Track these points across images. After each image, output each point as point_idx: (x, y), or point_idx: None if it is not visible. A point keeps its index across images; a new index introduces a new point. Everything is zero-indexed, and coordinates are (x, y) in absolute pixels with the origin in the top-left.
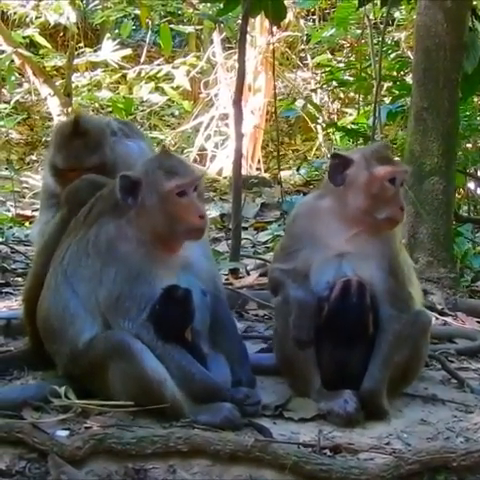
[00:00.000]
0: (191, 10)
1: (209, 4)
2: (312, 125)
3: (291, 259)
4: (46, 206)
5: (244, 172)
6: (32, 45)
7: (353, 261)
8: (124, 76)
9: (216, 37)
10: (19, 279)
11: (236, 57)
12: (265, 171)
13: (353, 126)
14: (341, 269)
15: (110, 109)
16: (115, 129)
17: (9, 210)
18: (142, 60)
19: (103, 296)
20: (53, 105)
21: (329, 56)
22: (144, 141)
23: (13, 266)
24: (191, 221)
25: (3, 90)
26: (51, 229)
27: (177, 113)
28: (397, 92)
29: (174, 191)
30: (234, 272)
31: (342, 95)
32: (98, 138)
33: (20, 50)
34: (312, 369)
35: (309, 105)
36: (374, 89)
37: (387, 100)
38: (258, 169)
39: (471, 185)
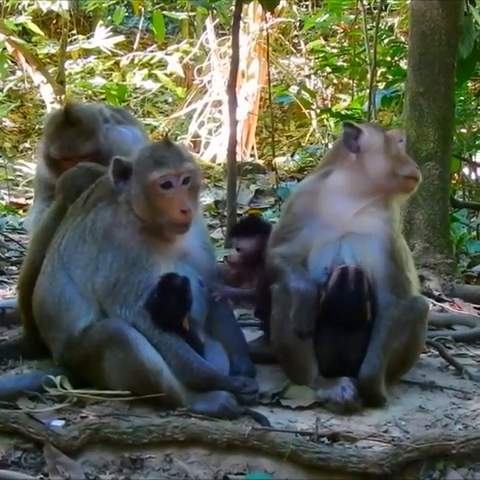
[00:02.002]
0: None
1: None
2: (306, 111)
3: (291, 239)
4: (41, 198)
5: (238, 159)
6: (25, 33)
7: (354, 244)
8: (117, 63)
9: (209, 23)
10: (13, 268)
11: (229, 43)
12: (259, 157)
13: (347, 112)
14: (340, 254)
15: (103, 96)
16: (108, 116)
17: (3, 198)
18: (135, 47)
19: (100, 283)
20: (46, 93)
21: (322, 42)
22: (138, 127)
23: (7, 254)
24: (172, 215)
25: None
26: (46, 216)
27: (170, 100)
28: (391, 77)
29: (158, 182)
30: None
31: (336, 81)
32: (91, 126)
33: (13, 38)
34: (309, 357)
35: (303, 91)
36: (368, 74)
37: (381, 85)
38: (252, 156)
39: (466, 170)
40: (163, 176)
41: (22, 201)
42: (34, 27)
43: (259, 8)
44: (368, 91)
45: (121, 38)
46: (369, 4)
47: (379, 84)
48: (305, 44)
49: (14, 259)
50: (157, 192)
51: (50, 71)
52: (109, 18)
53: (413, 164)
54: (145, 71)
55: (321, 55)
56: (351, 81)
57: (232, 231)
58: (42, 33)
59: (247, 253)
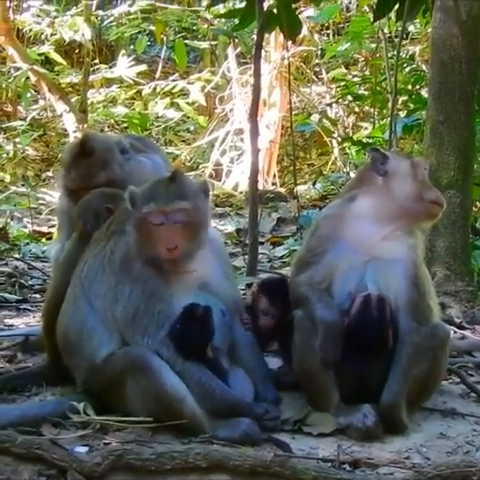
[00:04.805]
0: (206, 25)
1: (224, 19)
2: (327, 139)
3: (316, 263)
4: (64, 230)
5: (260, 187)
6: (47, 62)
7: (378, 269)
8: (139, 92)
9: (231, 52)
10: (37, 295)
11: (251, 72)
12: (281, 186)
13: (368, 140)
14: (363, 279)
15: (126, 125)
16: (126, 147)
17: (26, 226)
18: (157, 76)
19: (120, 313)
20: (69, 122)
21: (344, 70)
22: (159, 155)
23: (30, 282)
24: (159, 251)
25: (19, 107)
26: (70, 244)
27: (192, 128)
28: (412, 106)
29: (147, 218)
30: (251, 287)
31: (357, 109)
32: (105, 156)
33: (36, 67)
34: (331, 384)
35: (324, 119)
36: (389, 103)
37: (402, 114)
38: (274, 184)
39: None
40: (150, 213)
41: (45, 229)
42: (57, 56)
43: (280, 37)
44: (389, 119)
45: (143, 67)
46: (390, 33)
47: (400, 112)
48: (326, 72)
49: (37, 287)
50: (146, 227)
51: (73, 100)
52: (131, 47)
53: (437, 191)
54: (167, 100)
55: (342, 83)
56: (372, 109)
57: (262, 297)
58: (65, 62)
59: (279, 318)
